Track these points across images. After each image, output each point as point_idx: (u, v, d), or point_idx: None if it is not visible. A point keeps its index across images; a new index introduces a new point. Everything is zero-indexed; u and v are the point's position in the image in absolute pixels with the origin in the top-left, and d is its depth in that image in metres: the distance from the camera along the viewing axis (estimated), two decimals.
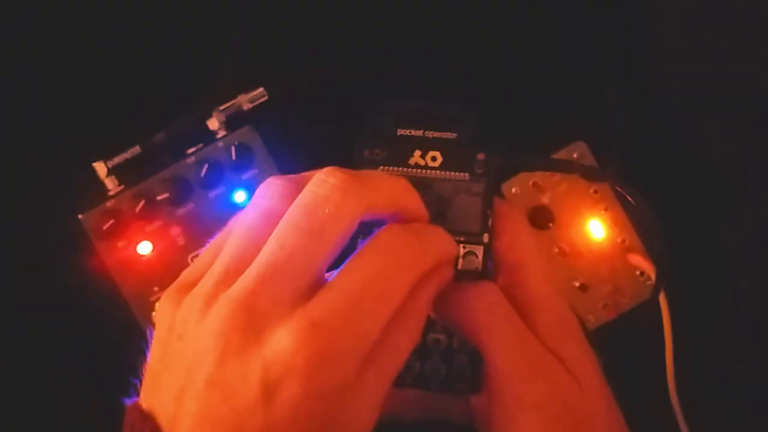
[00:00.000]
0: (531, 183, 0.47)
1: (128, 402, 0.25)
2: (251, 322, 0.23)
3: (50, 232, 0.46)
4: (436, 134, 0.30)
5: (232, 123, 0.45)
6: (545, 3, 0.49)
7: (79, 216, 0.44)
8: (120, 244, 0.44)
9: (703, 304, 0.46)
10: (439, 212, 0.29)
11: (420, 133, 0.30)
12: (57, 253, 0.45)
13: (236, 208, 0.45)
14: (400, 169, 0.29)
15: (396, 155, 0.29)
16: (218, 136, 0.45)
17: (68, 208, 0.44)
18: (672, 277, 0.45)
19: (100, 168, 0.45)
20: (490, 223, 0.29)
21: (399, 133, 0.30)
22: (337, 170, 0.25)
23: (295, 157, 0.46)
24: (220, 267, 0.25)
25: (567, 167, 0.43)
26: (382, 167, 0.29)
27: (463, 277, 0.29)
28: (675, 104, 0.46)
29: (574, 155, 0.47)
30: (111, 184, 0.45)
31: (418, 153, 0.29)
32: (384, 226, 0.26)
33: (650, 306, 0.44)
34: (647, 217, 0.42)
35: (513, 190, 0.47)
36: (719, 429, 0.44)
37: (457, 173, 0.29)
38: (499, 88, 0.48)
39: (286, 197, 0.26)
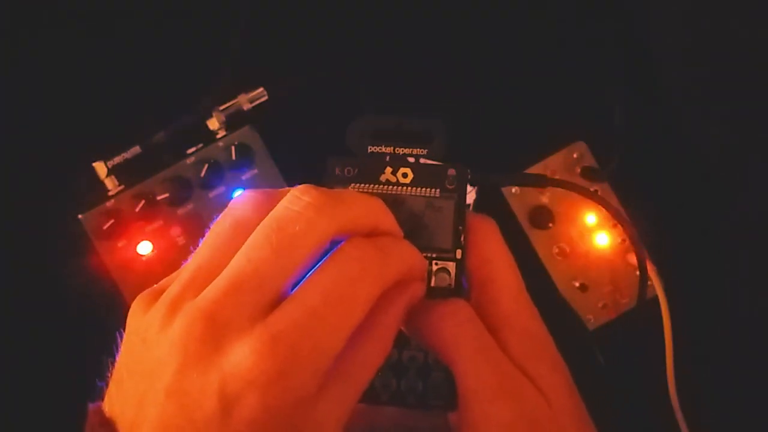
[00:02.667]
0: None
1: (91, 405, 0.25)
2: (212, 333, 0.23)
3: (50, 232, 0.46)
4: (407, 150, 0.30)
5: (232, 123, 0.45)
6: (546, 3, 0.49)
7: (79, 216, 0.44)
8: (120, 244, 0.44)
9: (703, 304, 0.46)
10: (411, 229, 0.28)
11: (390, 149, 0.30)
12: (57, 253, 0.45)
13: None
14: (372, 186, 0.29)
15: (367, 172, 0.29)
16: (218, 136, 0.45)
17: (68, 208, 0.44)
18: (672, 277, 0.45)
19: (100, 168, 0.45)
20: (462, 238, 0.29)
21: (370, 150, 0.30)
22: (312, 188, 0.25)
23: (295, 157, 0.46)
24: (187, 275, 0.25)
25: (539, 181, 0.43)
26: (353, 185, 0.29)
27: (436, 294, 0.29)
28: (675, 104, 0.46)
29: (574, 155, 0.47)
30: (111, 184, 0.45)
31: (389, 170, 0.29)
32: (346, 240, 0.25)
33: (650, 306, 0.44)
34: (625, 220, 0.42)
35: (513, 190, 0.47)
36: (719, 429, 0.44)
37: (428, 189, 0.29)
38: (500, 88, 0.48)
39: (260, 210, 0.26)
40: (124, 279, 0.44)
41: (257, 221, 0.25)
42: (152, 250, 0.44)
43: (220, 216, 0.27)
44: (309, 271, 0.25)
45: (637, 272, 0.45)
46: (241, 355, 0.22)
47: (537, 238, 0.47)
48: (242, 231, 0.25)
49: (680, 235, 0.47)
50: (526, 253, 0.47)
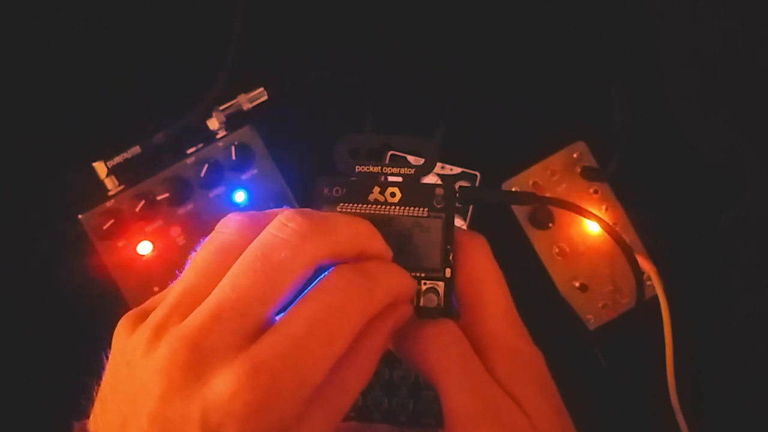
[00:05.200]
0: (531, 183, 0.47)
1: (76, 424, 0.26)
2: (195, 361, 0.23)
3: (50, 232, 0.46)
4: (394, 170, 0.30)
5: (232, 123, 0.45)
6: (546, 3, 0.49)
7: (79, 216, 0.44)
8: (120, 244, 0.44)
9: (703, 304, 0.46)
10: (400, 249, 0.28)
11: (378, 169, 0.30)
12: (57, 253, 0.45)
13: (236, 208, 0.45)
14: (360, 206, 0.29)
15: (355, 192, 0.29)
16: (218, 136, 0.45)
17: (68, 208, 0.44)
18: (672, 277, 0.45)
19: (100, 168, 0.45)
20: (451, 257, 0.29)
21: (357, 170, 0.30)
22: (299, 214, 0.25)
23: (295, 157, 0.46)
24: (173, 298, 0.25)
25: (525, 199, 0.43)
26: (341, 204, 0.29)
27: (425, 314, 0.28)
28: (675, 104, 0.46)
29: (574, 155, 0.47)
30: (111, 184, 0.45)
31: (377, 189, 0.29)
32: (333, 268, 0.25)
33: (650, 306, 0.44)
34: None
35: (513, 189, 0.47)
36: (719, 429, 0.44)
37: (416, 209, 0.29)
38: (500, 89, 0.48)
39: (246, 234, 0.26)
40: (124, 279, 0.44)
41: (243, 246, 0.25)
42: (152, 250, 0.44)
43: (206, 239, 0.26)
44: (294, 298, 0.24)
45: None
46: (223, 385, 0.22)
47: (537, 238, 0.47)
48: (228, 256, 0.25)
49: (680, 235, 0.47)
50: (526, 253, 0.47)
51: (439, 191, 0.29)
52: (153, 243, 0.44)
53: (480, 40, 0.48)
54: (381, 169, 0.30)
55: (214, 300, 0.24)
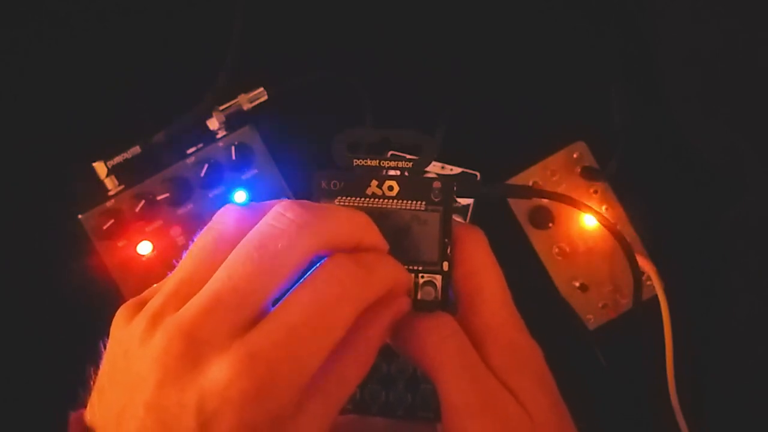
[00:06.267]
0: (531, 183, 0.47)
1: (73, 414, 0.26)
2: (191, 350, 0.23)
3: (50, 232, 0.46)
4: (392, 164, 0.30)
5: (232, 123, 0.45)
6: (546, 3, 0.49)
7: (79, 216, 0.44)
8: (120, 244, 0.44)
9: (703, 304, 0.46)
10: (398, 242, 0.28)
11: (376, 163, 0.30)
12: (57, 253, 0.45)
13: None
14: (358, 199, 0.29)
15: (353, 186, 0.29)
16: (218, 136, 0.45)
17: (68, 208, 0.44)
18: (672, 277, 0.45)
19: (100, 168, 0.45)
20: (449, 250, 0.29)
21: (355, 164, 0.30)
22: (296, 205, 0.25)
23: (295, 157, 0.46)
24: (169, 288, 0.25)
25: (524, 192, 0.43)
26: (339, 198, 0.29)
27: (422, 307, 0.29)
28: (675, 104, 0.46)
29: (574, 155, 0.47)
30: (111, 184, 0.45)
31: (374, 183, 0.29)
32: (329, 257, 0.25)
33: (650, 306, 0.45)
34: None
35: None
36: (719, 429, 0.44)
37: (413, 202, 0.29)
38: (500, 89, 0.48)
39: (243, 225, 0.26)
40: (124, 279, 0.44)
41: (240, 236, 0.25)
42: (152, 250, 0.44)
43: (204, 229, 0.27)
44: (291, 287, 0.25)
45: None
46: (219, 373, 0.22)
47: (537, 238, 0.47)
48: (225, 246, 0.25)
49: (680, 235, 0.47)
50: (526, 253, 0.47)
51: (437, 185, 0.29)
52: (153, 243, 0.44)
53: (480, 40, 0.48)
54: (379, 163, 0.30)
55: (210, 289, 0.24)
